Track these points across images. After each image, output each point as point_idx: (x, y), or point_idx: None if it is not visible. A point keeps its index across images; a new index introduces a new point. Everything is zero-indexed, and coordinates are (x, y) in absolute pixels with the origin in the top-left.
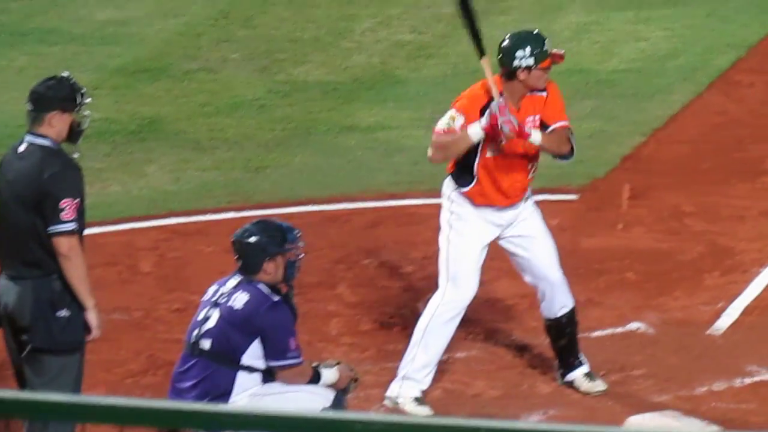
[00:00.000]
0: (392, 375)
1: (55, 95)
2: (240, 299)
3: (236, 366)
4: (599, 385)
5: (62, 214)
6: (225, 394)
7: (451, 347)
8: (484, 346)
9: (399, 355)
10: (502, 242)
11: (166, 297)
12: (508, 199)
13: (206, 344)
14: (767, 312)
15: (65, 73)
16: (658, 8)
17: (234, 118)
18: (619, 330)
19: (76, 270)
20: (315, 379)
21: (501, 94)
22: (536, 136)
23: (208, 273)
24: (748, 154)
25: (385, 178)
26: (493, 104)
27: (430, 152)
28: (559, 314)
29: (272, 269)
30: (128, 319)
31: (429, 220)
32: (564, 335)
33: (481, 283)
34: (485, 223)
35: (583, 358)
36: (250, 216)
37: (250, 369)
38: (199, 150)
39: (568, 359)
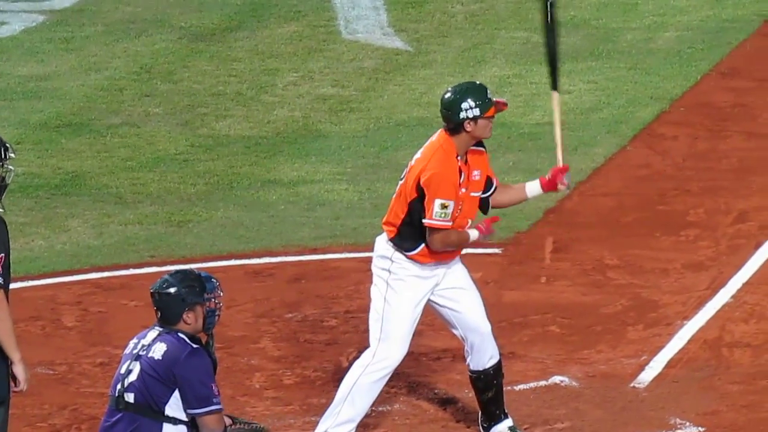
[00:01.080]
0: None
1: None
2: (159, 349)
3: (161, 417)
4: None
5: None
6: None
7: (374, 401)
8: (407, 399)
9: (322, 409)
10: (431, 296)
11: (90, 351)
12: (454, 253)
13: (130, 398)
14: (691, 365)
15: None
16: (581, 61)
17: (156, 173)
18: (543, 383)
19: (2, 324)
20: None
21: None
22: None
23: (131, 327)
24: (672, 207)
25: (307, 232)
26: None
27: (436, 246)
28: (488, 365)
29: (192, 319)
30: (52, 373)
31: (351, 274)
32: (492, 387)
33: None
34: (425, 282)
35: (507, 411)
36: (173, 270)
37: (175, 421)
38: (122, 204)
39: (493, 412)
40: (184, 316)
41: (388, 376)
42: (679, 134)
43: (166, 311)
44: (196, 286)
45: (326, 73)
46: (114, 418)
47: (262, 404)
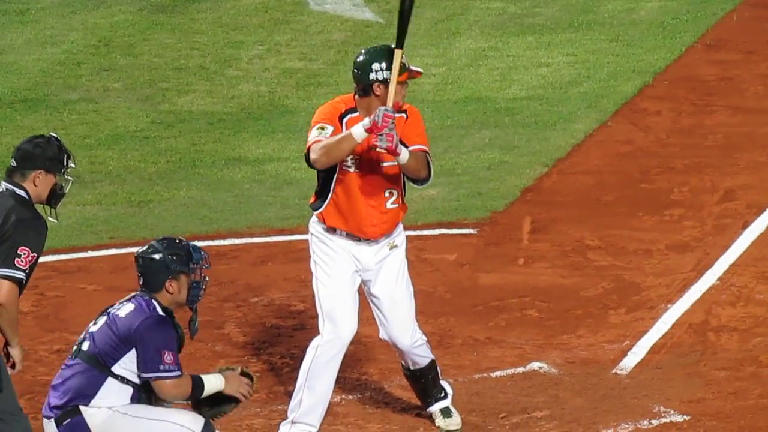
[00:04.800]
0: (282, 417)
1: (42, 154)
2: (126, 309)
3: (107, 372)
4: (453, 424)
5: (17, 260)
6: (86, 397)
7: (344, 389)
8: (378, 387)
9: (290, 397)
10: (364, 288)
11: (47, 337)
12: (363, 229)
13: (85, 346)
14: (675, 350)
15: (53, 134)
16: (560, 33)
17: (116, 151)
18: (521, 370)
19: (7, 318)
20: (198, 388)
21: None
22: (404, 155)
23: (89, 312)
24: (655, 185)
25: (273, 212)
26: (380, 111)
27: (314, 155)
28: (412, 368)
29: (175, 289)
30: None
31: None
32: (420, 383)
33: (375, 322)
34: (346, 253)
35: (445, 391)
36: (133, 252)
37: (122, 379)
38: (80, 184)
39: (425, 400)
40: (167, 284)
41: (341, 355)
42: (662, 109)
43: (149, 277)
44: (183, 254)
45: (293, 46)
46: (68, 364)
47: None
